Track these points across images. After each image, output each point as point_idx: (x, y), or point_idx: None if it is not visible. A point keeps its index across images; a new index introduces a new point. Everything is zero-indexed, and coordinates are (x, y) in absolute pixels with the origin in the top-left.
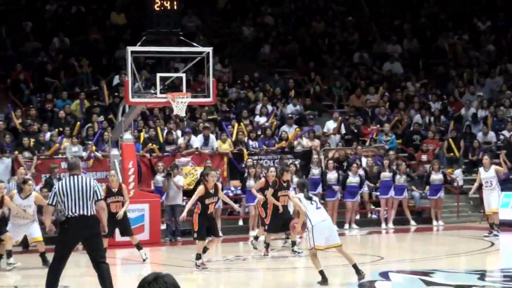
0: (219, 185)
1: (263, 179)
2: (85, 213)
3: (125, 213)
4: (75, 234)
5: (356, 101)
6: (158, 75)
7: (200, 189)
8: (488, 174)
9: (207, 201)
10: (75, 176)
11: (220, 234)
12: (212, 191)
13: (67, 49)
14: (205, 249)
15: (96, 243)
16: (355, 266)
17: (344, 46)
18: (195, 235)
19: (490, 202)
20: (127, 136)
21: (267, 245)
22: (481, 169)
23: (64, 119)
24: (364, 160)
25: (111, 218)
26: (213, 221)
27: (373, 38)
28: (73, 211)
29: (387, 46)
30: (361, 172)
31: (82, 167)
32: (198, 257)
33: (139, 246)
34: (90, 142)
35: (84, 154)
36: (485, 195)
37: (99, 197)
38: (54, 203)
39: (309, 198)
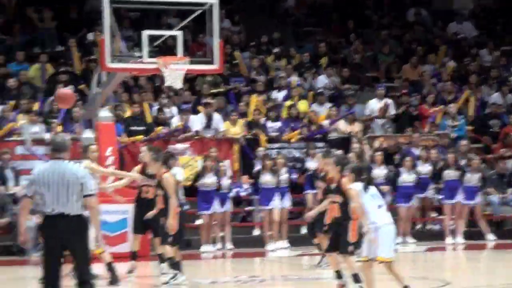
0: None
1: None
2: (66, 211)
3: None
4: (53, 238)
5: (410, 73)
6: (145, 33)
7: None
8: None
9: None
10: (60, 162)
11: (230, 246)
12: (333, 185)
13: None
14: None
15: (81, 253)
16: None
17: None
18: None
19: None
20: (104, 113)
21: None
22: None
23: (18, 89)
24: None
25: None
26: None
27: None
28: (52, 208)
29: (453, 0)
30: (425, 168)
31: (44, 153)
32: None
33: None
34: (54, 121)
35: (47, 135)
36: None
37: (89, 192)
38: (30, 195)
39: (366, 188)
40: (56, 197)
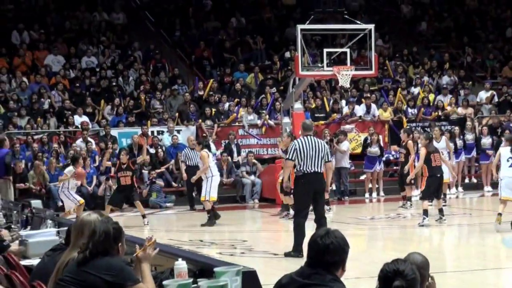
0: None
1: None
2: (318, 170)
3: None
4: (310, 188)
5: (509, 72)
6: (325, 50)
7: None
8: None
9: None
10: (309, 137)
11: (382, 194)
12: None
13: (243, 28)
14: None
15: (322, 198)
16: None
17: (497, 22)
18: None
19: None
20: (297, 105)
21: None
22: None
23: (240, 91)
24: None
25: None
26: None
27: None
28: (310, 167)
29: None
30: None
31: (256, 133)
32: (425, 213)
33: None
34: (263, 111)
35: (259, 122)
36: None
37: (329, 159)
38: (293, 158)
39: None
40: (311, 160)
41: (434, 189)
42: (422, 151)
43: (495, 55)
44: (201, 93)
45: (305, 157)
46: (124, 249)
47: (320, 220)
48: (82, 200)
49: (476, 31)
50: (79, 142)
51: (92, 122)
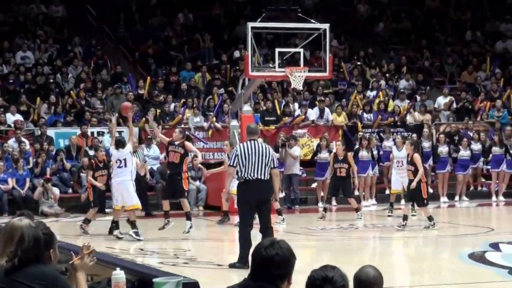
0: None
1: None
2: (262, 177)
3: None
4: (252, 195)
5: (467, 78)
6: (277, 50)
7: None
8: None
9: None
10: (254, 141)
11: (334, 203)
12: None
13: (191, 25)
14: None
15: (266, 208)
16: None
17: (457, 24)
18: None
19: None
20: (246, 108)
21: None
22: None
23: (186, 91)
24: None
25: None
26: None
27: (486, 17)
28: (252, 174)
29: (500, 25)
30: (477, 146)
31: (203, 137)
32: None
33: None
34: (210, 113)
35: (205, 124)
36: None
37: (275, 165)
38: (235, 165)
39: None
40: (254, 167)
41: None
42: (418, 157)
43: (454, 59)
44: (141, 91)
45: (248, 163)
46: (57, 256)
47: (266, 230)
48: (118, 206)
49: (435, 33)
50: (11, 142)
51: (26, 121)
